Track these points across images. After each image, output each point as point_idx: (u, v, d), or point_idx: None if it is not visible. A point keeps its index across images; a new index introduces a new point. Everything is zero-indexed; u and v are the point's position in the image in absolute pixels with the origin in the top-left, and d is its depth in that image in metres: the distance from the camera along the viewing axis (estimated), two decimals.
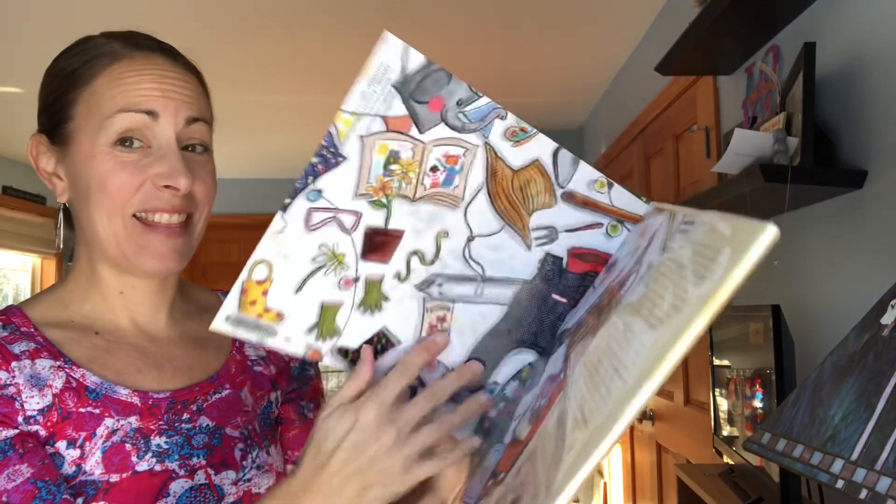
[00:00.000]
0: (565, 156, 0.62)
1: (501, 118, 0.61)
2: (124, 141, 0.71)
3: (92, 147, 0.72)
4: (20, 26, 2.65)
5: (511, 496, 0.49)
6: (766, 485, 1.29)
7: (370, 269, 0.61)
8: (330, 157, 0.58)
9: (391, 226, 0.60)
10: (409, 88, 0.57)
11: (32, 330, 0.72)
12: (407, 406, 0.60)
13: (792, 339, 1.22)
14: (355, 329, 0.63)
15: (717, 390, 1.61)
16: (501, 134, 0.61)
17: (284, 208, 0.59)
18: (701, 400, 2.19)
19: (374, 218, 0.60)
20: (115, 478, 0.68)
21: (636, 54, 2.91)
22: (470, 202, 0.61)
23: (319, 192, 0.59)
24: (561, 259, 0.63)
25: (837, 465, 0.70)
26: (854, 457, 0.68)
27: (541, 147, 0.62)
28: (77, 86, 0.73)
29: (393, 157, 0.58)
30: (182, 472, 0.72)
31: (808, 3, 1.49)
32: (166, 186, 0.71)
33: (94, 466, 0.68)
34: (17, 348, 0.70)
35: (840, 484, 0.68)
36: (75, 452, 0.68)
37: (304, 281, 0.61)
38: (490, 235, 0.62)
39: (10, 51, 2.89)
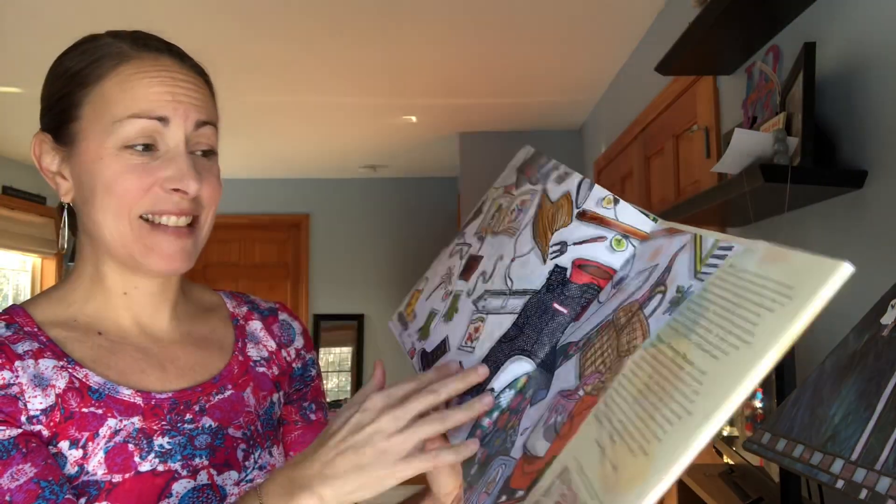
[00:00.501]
0: (586, 183, 0.70)
1: (556, 170, 0.74)
2: (134, 144, 0.71)
3: (99, 148, 0.72)
4: (20, 26, 2.65)
5: None
6: (766, 485, 1.29)
7: (460, 286, 0.77)
8: (477, 212, 0.82)
9: (480, 252, 0.77)
10: (521, 166, 0.79)
11: (35, 329, 0.72)
12: (410, 399, 0.62)
13: None
14: (435, 335, 0.75)
15: None
16: (553, 179, 0.74)
17: (450, 243, 0.82)
18: None
19: (476, 248, 0.78)
20: (117, 478, 0.68)
21: (636, 54, 2.91)
22: (521, 231, 0.73)
23: (464, 233, 0.82)
24: (565, 269, 0.67)
25: (837, 465, 0.70)
26: (854, 457, 0.68)
27: (571, 181, 0.72)
28: (84, 85, 0.73)
29: (499, 207, 0.79)
30: (185, 473, 0.72)
31: (808, 3, 1.49)
32: (175, 190, 0.72)
33: (96, 466, 0.68)
34: (21, 348, 0.69)
35: (840, 484, 0.68)
36: (78, 453, 0.68)
37: (432, 292, 0.79)
38: (524, 255, 0.71)
39: (10, 51, 2.89)
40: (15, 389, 0.67)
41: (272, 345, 0.87)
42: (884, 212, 1.24)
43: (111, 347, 0.75)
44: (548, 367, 0.65)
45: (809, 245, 1.48)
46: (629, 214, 0.66)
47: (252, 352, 0.85)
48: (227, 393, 0.79)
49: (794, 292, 0.40)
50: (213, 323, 0.85)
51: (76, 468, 0.67)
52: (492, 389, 0.66)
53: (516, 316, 0.68)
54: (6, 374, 0.67)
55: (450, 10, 2.58)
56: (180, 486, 0.71)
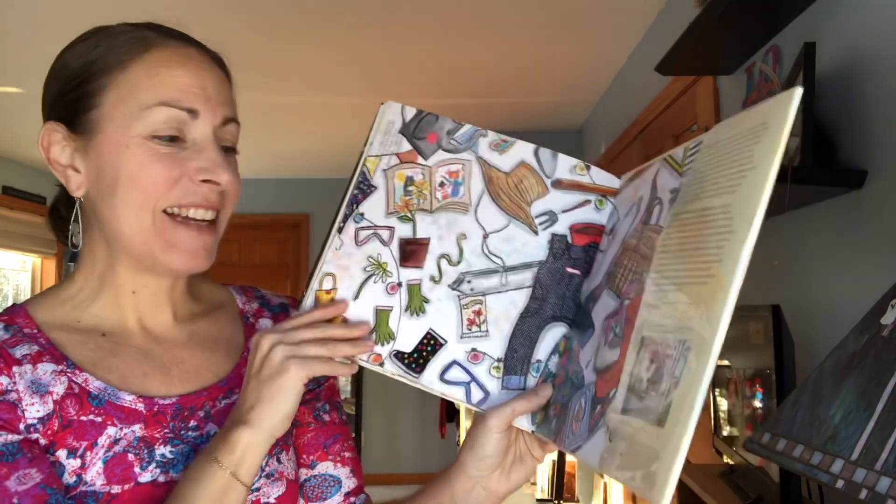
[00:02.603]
0: (545, 152, 0.75)
1: (483, 136, 0.75)
2: (160, 135, 0.69)
3: (124, 136, 0.69)
4: (20, 26, 2.65)
5: (644, 383, 0.55)
6: (766, 485, 1.29)
7: (409, 274, 0.73)
8: (365, 188, 0.74)
9: (418, 235, 0.73)
10: (410, 131, 0.75)
11: (35, 331, 0.70)
12: (295, 332, 0.67)
13: (792, 339, 1.22)
14: (406, 332, 0.72)
15: (717, 390, 1.61)
16: (487, 148, 0.75)
17: (340, 230, 0.74)
18: None
19: (404, 230, 0.73)
20: (116, 489, 0.66)
21: (636, 54, 2.91)
22: (477, 206, 0.74)
23: (362, 214, 0.74)
24: (565, 236, 0.74)
25: (837, 465, 0.70)
26: (854, 457, 0.68)
27: (523, 150, 0.75)
28: (105, 72, 0.70)
29: (409, 181, 0.74)
30: None
31: (808, 3, 1.49)
32: (205, 181, 0.70)
33: (95, 477, 0.66)
34: (19, 352, 0.67)
35: (840, 484, 0.68)
36: (76, 462, 0.66)
37: (360, 288, 0.72)
38: (501, 230, 0.73)
39: (10, 51, 2.89)
40: (13, 396, 0.65)
41: None
42: (884, 212, 1.24)
43: (113, 349, 0.72)
44: (579, 323, 0.71)
45: (809, 245, 1.48)
46: (601, 176, 0.75)
47: None
48: (234, 398, 0.75)
49: (769, 123, 0.50)
50: (222, 322, 0.82)
51: (74, 478, 0.65)
52: (538, 361, 0.72)
53: (530, 290, 0.73)
54: (3, 380, 0.65)
55: (450, 11, 2.58)
56: None
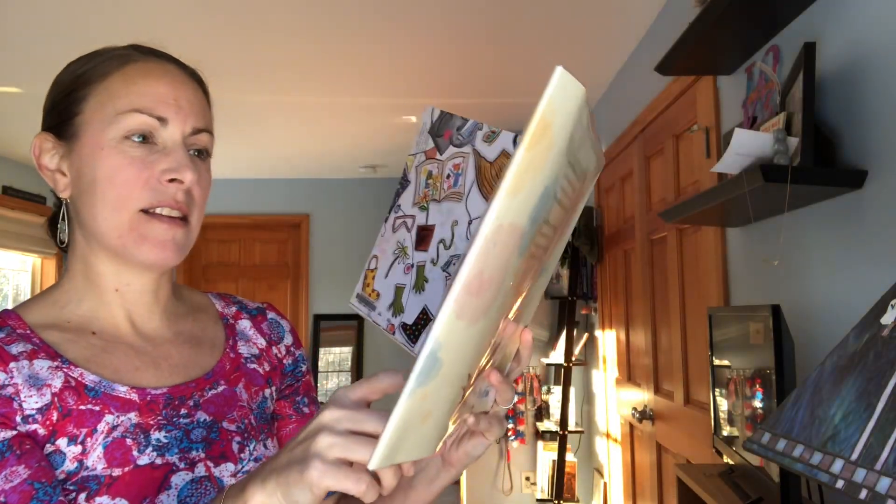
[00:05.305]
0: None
1: (480, 129, 0.83)
2: (133, 136, 0.75)
3: (100, 139, 0.74)
4: (20, 27, 2.65)
5: None
6: (766, 485, 1.29)
7: (419, 257, 0.83)
8: (405, 183, 0.87)
9: (429, 222, 0.83)
10: (434, 130, 0.86)
11: (28, 332, 0.73)
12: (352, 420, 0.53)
13: (792, 339, 1.22)
14: (411, 308, 0.82)
15: (717, 390, 1.62)
16: (481, 140, 0.82)
17: (386, 220, 0.87)
18: (701, 400, 2.19)
19: (421, 218, 0.84)
20: (117, 472, 0.69)
21: (636, 54, 2.91)
22: (468, 194, 0.81)
23: (399, 206, 0.86)
24: None
25: (837, 465, 0.70)
26: (854, 457, 0.68)
27: (505, 140, 0.82)
28: (89, 83, 0.77)
29: (429, 175, 0.85)
30: (182, 465, 0.73)
31: (808, 3, 1.49)
32: (171, 180, 0.75)
33: (96, 461, 0.69)
34: (15, 349, 0.70)
35: (840, 484, 0.68)
36: (77, 449, 0.69)
37: (389, 268, 0.84)
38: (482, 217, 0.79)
39: (10, 51, 2.89)
40: (10, 390, 0.68)
41: (262, 342, 0.90)
42: (884, 212, 1.24)
43: (105, 346, 0.76)
44: None
45: (809, 245, 1.48)
46: None
47: (243, 349, 0.87)
48: (220, 388, 0.81)
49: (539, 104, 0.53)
50: (204, 322, 0.87)
51: (75, 464, 0.68)
52: None
53: None
54: (1, 376, 0.68)
55: (450, 11, 2.58)
56: (178, 479, 0.72)
